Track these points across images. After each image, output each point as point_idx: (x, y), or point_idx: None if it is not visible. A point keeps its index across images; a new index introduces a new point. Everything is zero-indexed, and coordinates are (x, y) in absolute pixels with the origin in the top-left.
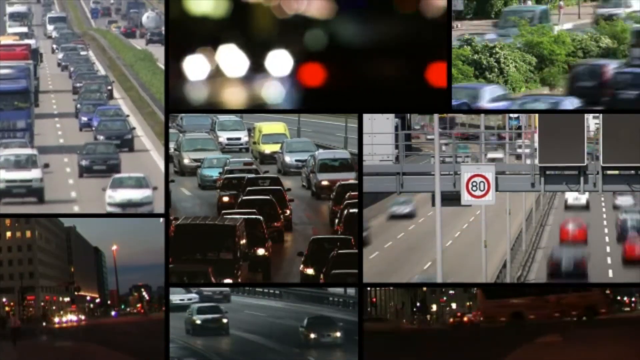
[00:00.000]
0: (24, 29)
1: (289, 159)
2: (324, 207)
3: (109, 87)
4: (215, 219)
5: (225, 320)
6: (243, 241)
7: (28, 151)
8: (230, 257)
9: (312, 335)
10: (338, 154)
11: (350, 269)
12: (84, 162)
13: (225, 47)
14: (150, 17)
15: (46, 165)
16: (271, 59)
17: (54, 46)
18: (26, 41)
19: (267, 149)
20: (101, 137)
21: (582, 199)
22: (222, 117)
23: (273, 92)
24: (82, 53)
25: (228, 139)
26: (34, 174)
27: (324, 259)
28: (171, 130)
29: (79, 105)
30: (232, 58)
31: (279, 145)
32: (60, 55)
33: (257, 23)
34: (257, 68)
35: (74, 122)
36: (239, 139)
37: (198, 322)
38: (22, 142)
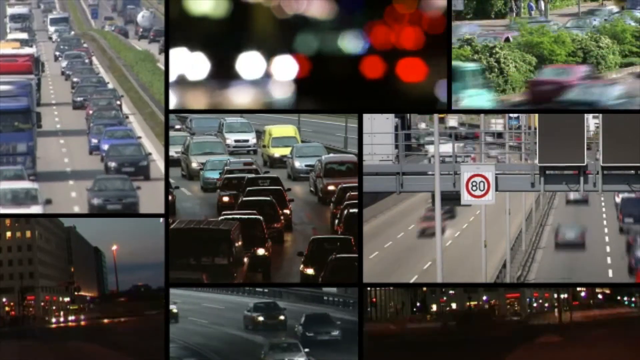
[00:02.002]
0: (25, 35)
1: (298, 163)
2: (328, 212)
3: (118, 102)
4: (211, 222)
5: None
6: (238, 243)
7: (27, 185)
8: (225, 262)
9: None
10: (345, 158)
11: (349, 274)
12: (95, 201)
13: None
14: (146, 17)
15: (48, 202)
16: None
17: (57, 53)
18: (28, 50)
19: (277, 152)
20: (112, 164)
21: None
22: (230, 119)
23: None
24: (86, 61)
25: (236, 140)
26: (33, 211)
27: (324, 259)
28: (180, 133)
29: (91, 124)
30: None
31: (290, 149)
32: (64, 63)
33: (257, 23)
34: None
35: (81, 141)
36: (246, 140)
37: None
38: (17, 170)
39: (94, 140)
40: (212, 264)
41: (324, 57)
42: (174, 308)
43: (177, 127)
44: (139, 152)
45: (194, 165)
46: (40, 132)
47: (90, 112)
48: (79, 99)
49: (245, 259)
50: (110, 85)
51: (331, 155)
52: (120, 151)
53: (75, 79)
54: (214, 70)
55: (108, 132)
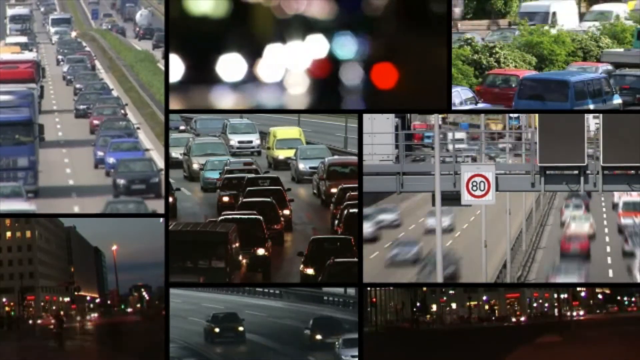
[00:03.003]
0: (24, 39)
1: (302, 166)
2: (329, 213)
3: (123, 112)
4: (207, 224)
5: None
6: (236, 246)
7: (24, 206)
8: (222, 266)
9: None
10: (348, 160)
11: (347, 278)
12: None
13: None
14: (144, 15)
15: None
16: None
17: (60, 57)
18: (29, 54)
19: (282, 154)
20: (122, 182)
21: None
22: (234, 120)
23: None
24: (88, 65)
25: (239, 142)
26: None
27: (324, 259)
28: (185, 135)
29: (99, 136)
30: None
31: (294, 151)
32: (65, 68)
33: (257, 23)
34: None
35: (85, 152)
36: (250, 142)
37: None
38: (15, 187)
39: (100, 153)
40: (209, 267)
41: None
42: (239, 327)
43: (182, 127)
44: (149, 168)
45: (195, 166)
46: (42, 142)
47: (95, 122)
48: (81, 106)
49: (244, 262)
50: (114, 93)
51: (335, 157)
52: (129, 167)
53: (78, 85)
54: (211, 71)
55: (113, 145)
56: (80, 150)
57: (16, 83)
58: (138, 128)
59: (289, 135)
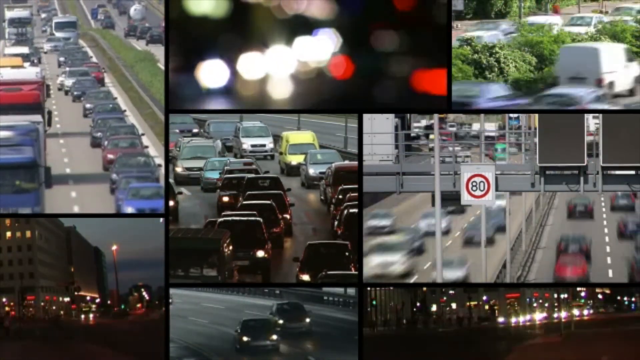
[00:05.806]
0: (25, 49)
1: (312, 171)
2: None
3: (139, 142)
4: (200, 231)
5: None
6: (228, 253)
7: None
8: (215, 274)
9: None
10: (355, 165)
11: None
12: None
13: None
14: (137, 10)
15: None
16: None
17: (68, 69)
18: (31, 70)
19: (294, 159)
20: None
21: None
22: (246, 123)
23: None
24: (93, 78)
25: (252, 145)
26: None
27: (320, 264)
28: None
29: (114, 176)
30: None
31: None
32: (70, 82)
33: (257, 23)
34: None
35: (98, 191)
36: (263, 145)
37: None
38: None
39: (122, 197)
40: (201, 276)
41: None
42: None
43: (195, 130)
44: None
45: (179, 170)
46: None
47: (110, 156)
48: (99, 134)
49: (235, 272)
50: (127, 114)
51: (343, 162)
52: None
53: (88, 105)
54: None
55: (132, 190)
56: (92, 187)
57: (20, 108)
58: (159, 165)
59: (301, 140)
